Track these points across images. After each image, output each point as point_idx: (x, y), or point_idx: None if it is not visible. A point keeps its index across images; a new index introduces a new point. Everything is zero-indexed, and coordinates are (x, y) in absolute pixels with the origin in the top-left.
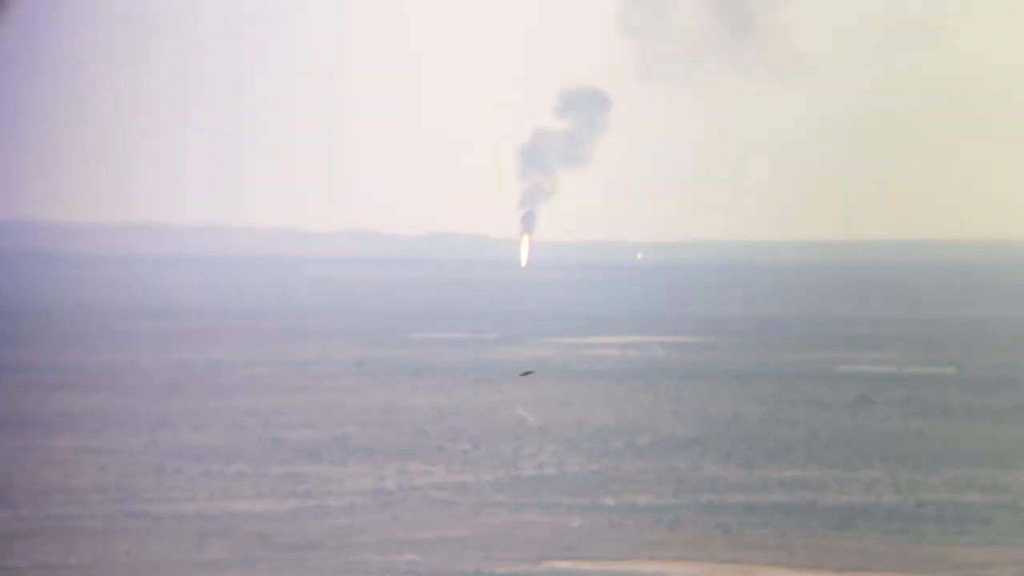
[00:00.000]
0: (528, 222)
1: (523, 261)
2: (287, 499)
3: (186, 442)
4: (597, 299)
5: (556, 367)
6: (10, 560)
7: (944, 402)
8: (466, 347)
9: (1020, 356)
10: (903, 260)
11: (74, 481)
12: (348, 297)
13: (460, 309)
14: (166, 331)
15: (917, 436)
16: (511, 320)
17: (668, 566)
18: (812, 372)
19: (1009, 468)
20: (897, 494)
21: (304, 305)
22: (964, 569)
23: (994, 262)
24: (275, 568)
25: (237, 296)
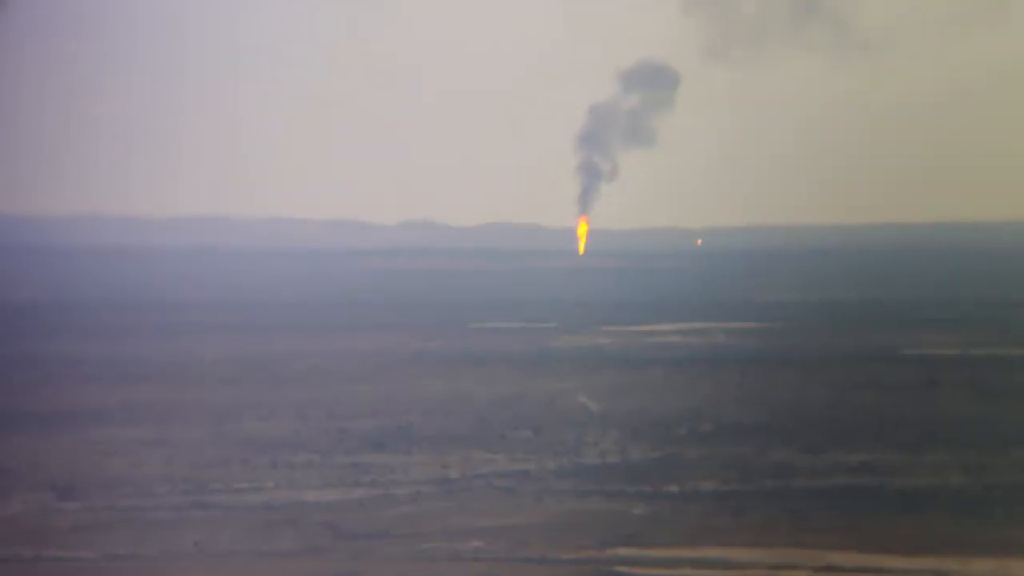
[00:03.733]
0: (584, 202)
1: (581, 249)
2: (353, 488)
3: (251, 433)
4: (657, 286)
5: (617, 355)
6: (81, 551)
7: (1011, 384)
8: (526, 336)
9: None
10: (969, 241)
11: (141, 472)
12: (406, 288)
13: (519, 298)
14: (229, 323)
15: (984, 418)
16: (570, 308)
17: (733, 552)
18: (877, 356)
19: None
20: (965, 476)
21: (363, 296)
22: None
23: None
24: (343, 557)
25: (296, 288)
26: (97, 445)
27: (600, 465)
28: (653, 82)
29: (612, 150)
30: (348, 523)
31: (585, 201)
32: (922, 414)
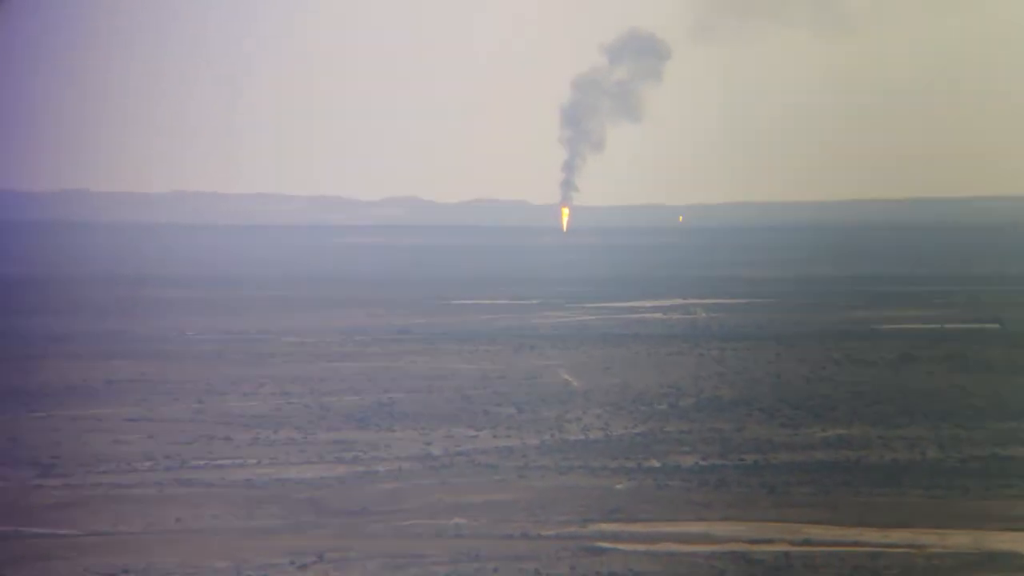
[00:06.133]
0: (567, 189)
1: (564, 226)
2: (335, 465)
3: (234, 410)
4: (639, 263)
5: (599, 331)
6: (63, 528)
7: (987, 358)
8: (509, 313)
9: None
10: (945, 217)
11: (123, 449)
12: (390, 265)
13: (502, 275)
14: (211, 299)
15: (960, 392)
16: (553, 285)
17: (714, 526)
18: (855, 331)
19: None
20: (941, 450)
21: (347, 273)
22: (1008, 522)
23: None
24: (325, 533)
25: (280, 264)
26: (79, 422)
27: (582, 441)
28: (641, 53)
29: (598, 124)
30: (330, 500)
31: (569, 174)
32: (898, 389)
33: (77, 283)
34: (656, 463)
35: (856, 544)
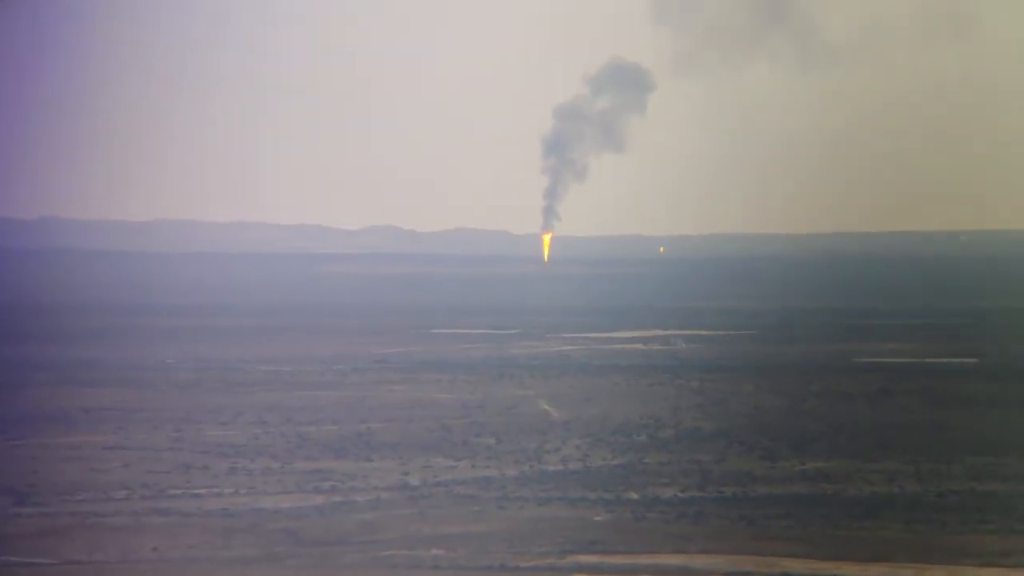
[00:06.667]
0: (548, 218)
1: (545, 256)
2: (313, 495)
3: (211, 439)
4: (620, 293)
5: (579, 362)
6: (37, 557)
7: (965, 392)
8: (489, 342)
9: None
10: (923, 250)
11: (100, 478)
12: (369, 293)
13: (482, 304)
14: (190, 327)
15: (938, 426)
16: (533, 315)
17: (693, 558)
18: (834, 364)
19: None
20: (919, 484)
21: (326, 301)
22: (985, 557)
23: (1016, 252)
24: (302, 564)
25: (259, 292)
26: (55, 450)
27: (562, 472)
28: (624, 84)
29: (581, 153)
30: (308, 530)
31: (551, 200)
32: (877, 422)
33: (55, 310)
34: (635, 495)
35: None
